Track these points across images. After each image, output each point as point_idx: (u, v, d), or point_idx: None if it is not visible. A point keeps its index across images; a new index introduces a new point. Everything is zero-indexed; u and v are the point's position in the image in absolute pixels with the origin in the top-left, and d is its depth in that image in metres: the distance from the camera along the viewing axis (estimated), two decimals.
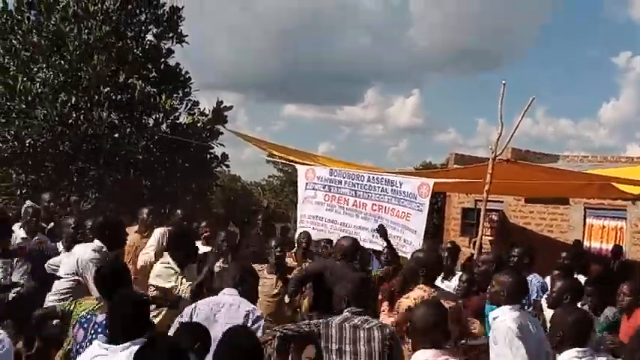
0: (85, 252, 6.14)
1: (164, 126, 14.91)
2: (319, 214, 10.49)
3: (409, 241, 9.37)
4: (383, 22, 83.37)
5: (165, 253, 6.56)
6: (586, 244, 16.10)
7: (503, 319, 5.01)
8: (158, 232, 7.59)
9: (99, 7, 14.04)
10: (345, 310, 4.91)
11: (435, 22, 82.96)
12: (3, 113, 13.59)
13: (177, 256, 6.34)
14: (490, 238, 16.70)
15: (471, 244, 15.39)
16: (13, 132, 13.36)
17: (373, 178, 10.19)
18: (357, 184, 10.25)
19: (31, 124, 13.29)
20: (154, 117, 14.72)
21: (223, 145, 15.49)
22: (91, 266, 5.92)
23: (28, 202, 10.43)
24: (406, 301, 5.61)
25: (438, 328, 3.93)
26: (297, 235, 10.05)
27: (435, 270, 5.97)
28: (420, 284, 5.77)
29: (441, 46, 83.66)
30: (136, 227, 9.02)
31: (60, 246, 7.27)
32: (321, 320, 4.90)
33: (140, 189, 14.49)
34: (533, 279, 7.72)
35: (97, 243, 6.31)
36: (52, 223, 8.22)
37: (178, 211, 9.27)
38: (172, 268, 6.25)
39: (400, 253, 9.33)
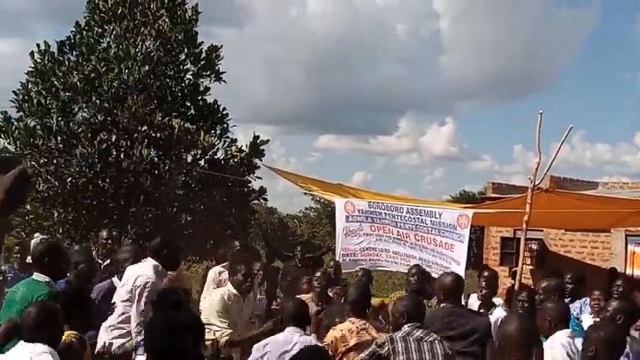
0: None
1: (202, 162, 15.08)
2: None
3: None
4: (415, 51, 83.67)
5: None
6: (628, 271, 15.85)
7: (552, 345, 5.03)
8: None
9: (139, 48, 14.33)
10: (406, 325, 5.05)
11: (466, 50, 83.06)
12: (41, 153, 13.85)
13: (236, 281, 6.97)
14: (530, 267, 16.53)
15: (511, 274, 15.26)
16: (52, 170, 13.58)
17: (412, 209, 10.20)
18: (397, 215, 10.27)
19: (70, 162, 13.52)
20: (192, 153, 14.89)
21: (260, 179, 15.64)
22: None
23: (36, 235, 10.60)
24: (332, 333, 6.01)
25: (526, 344, 3.92)
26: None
27: (362, 303, 6.37)
28: (350, 317, 6.17)
29: (473, 74, 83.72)
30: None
31: (115, 281, 7.32)
32: (384, 339, 5.04)
33: (180, 225, 14.62)
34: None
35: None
36: (109, 260, 8.31)
37: (236, 243, 9.41)
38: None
39: None
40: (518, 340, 3.88)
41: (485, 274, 9.02)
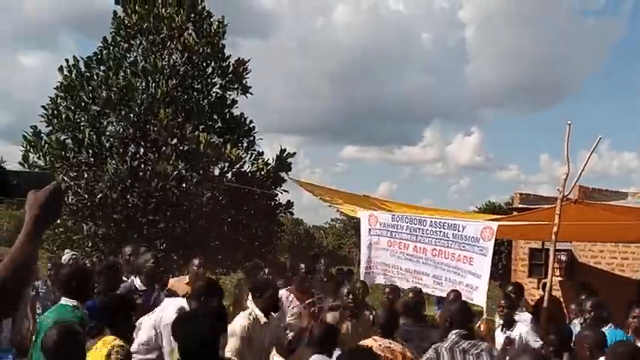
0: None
1: (229, 175, 15.16)
2: (385, 261, 10.48)
3: (474, 286, 9.24)
4: (439, 61, 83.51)
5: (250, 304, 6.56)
6: None
7: None
8: None
9: (166, 61, 14.47)
10: (452, 333, 4.98)
11: (491, 60, 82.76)
12: (71, 166, 13.98)
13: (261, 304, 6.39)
14: (559, 278, 16.37)
15: (541, 286, 15.12)
16: (82, 185, 13.70)
17: (435, 222, 10.12)
18: (418, 228, 10.19)
19: (101, 177, 13.63)
20: (219, 166, 14.97)
21: (287, 192, 15.67)
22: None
23: (67, 251, 10.66)
24: None
25: None
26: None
27: (388, 327, 6.08)
28: (375, 336, 5.99)
29: (498, 83, 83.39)
30: (186, 279, 8.87)
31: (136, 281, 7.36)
32: (430, 353, 4.97)
33: (208, 238, 14.68)
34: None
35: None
36: (133, 276, 8.37)
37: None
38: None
39: (465, 299, 9.18)
40: None
41: (509, 290, 8.82)
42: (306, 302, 8.41)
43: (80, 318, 5.27)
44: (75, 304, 5.44)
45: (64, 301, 5.53)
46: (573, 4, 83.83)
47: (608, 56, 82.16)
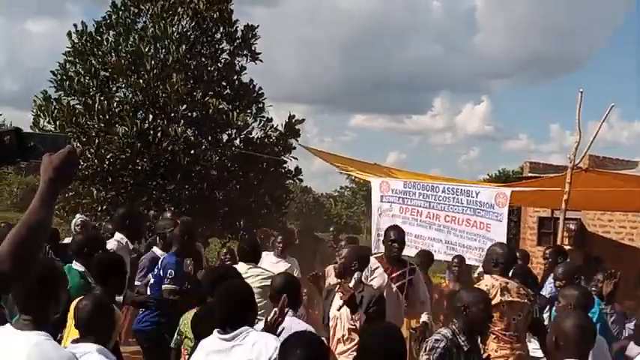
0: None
1: (237, 141, 15.16)
2: None
3: None
4: (449, 30, 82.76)
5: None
6: None
7: None
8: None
9: (176, 27, 14.39)
10: None
11: (501, 29, 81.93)
12: (83, 132, 13.99)
13: None
14: (568, 247, 16.36)
15: None
16: (93, 150, 13.70)
17: (448, 188, 10.16)
18: (432, 195, 10.22)
19: (111, 140, 13.63)
20: (227, 133, 14.96)
21: (296, 159, 15.64)
22: None
23: (78, 216, 10.73)
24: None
25: (585, 340, 3.82)
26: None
27: (508, 262, 5.99)
28: (494, 275, 5.86)
29: (507, 53, 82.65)
30: None
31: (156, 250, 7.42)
32: None
33: (215, 203, 14.71)
34: None
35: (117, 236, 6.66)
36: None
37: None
38: None
39: (479, 264, 9.26)
40: (576, 340, 3.75)
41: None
42: None
43: (85, 285, 5.27)
44: (83, 270, 5.48)
45: (75, 265, 5.53)
46: None
47: (619, 26, 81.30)
